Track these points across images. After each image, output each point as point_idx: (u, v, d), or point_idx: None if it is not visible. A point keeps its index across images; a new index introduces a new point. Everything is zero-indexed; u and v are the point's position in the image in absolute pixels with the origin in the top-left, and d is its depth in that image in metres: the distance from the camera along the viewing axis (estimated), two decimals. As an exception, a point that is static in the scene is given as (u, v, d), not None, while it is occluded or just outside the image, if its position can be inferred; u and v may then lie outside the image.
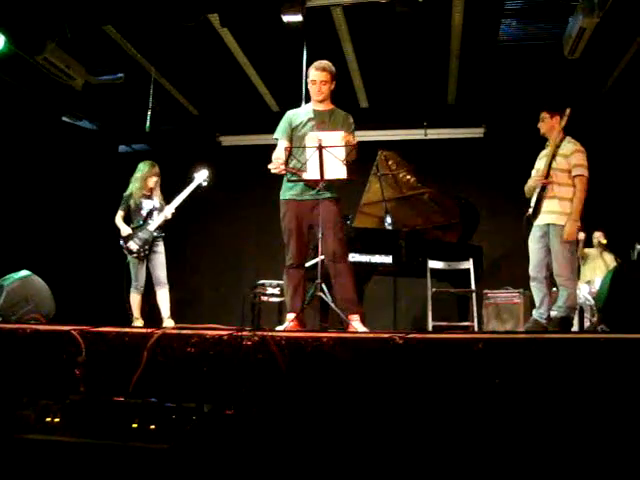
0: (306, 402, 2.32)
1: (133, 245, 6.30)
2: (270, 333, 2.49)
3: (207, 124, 9.90)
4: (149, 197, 6.50)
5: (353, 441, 2.22)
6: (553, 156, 5.15)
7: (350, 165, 4.44)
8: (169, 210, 6.40)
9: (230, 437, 2.17)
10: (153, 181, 6.53)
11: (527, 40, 7.40)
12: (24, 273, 5.47)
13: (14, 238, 7.76)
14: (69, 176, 9.02)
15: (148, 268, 6.45)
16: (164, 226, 6.47)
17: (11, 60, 7.20)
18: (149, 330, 2.60)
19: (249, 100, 9.10)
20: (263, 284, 7.40)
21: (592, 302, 6.65)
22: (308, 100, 4.96)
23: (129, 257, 6.36)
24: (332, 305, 4.68)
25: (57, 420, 2.15)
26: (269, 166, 4.67)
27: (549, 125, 5.29)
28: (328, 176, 4.45)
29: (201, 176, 6.52)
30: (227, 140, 10.08)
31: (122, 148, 10.48)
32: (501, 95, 8.56)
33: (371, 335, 2.70)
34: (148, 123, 7.90)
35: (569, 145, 5.16)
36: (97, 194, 9.29)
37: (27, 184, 8.30)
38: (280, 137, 4.76)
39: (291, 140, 4.73)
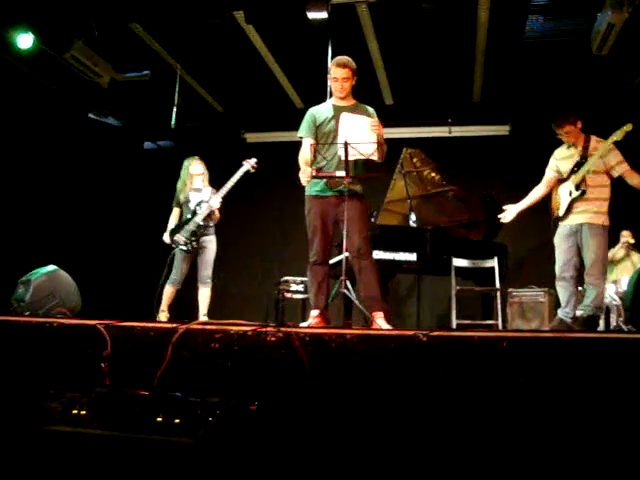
0: (330, 398, 2.32)
1: (179, 237, 6.28)
2: (294, 329, 2.50)
3: (232, 121, 9.94)
4: (198, 190, 6.50)
5: (376, 438, 2.22)
6: (585, 158, 5.10)
7: (380, 151, 4.47)
8: (215, 200, 6.31)
9: (254, 432, 2.18)
10: (194, 168, 6.51)
11: (554, 37, 7.31)
12: (51, 268, 5.52)
13: (41, 233, 7.85)
14: (95, 172, 9.09)
15: (196, 263, 6.43)
16: (218, 218, 6.46)
17: (39, 58, 7.30)
18: (174, 325, 2.62)
19: (274, 97, 9.12)
20: (287, 280, 7.42)
21: (618, 302, 6.59)
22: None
23: (177, 250, 6.32)
24: (356, 302, 4.67)
25: (83, 412, 2.16)
26: (300, 174, 4.62)
27: (576, 132, 5.22)
28: (356, 155, 4.45)
29: (249, 163, 6.43)
30: (252, 137, 10.09)
31: (147, 145, 10.54)
32: (527, 92, 8.48)
33: (395, 332, 2.70)
34: (173, 120, 7.95)
35: (604, 145, 5.09)
36: (123, 190, 9.39)
37: (54, 180, 8.39)
38: (305, 135, 4.74)
39: (316, 137, 4.73)
